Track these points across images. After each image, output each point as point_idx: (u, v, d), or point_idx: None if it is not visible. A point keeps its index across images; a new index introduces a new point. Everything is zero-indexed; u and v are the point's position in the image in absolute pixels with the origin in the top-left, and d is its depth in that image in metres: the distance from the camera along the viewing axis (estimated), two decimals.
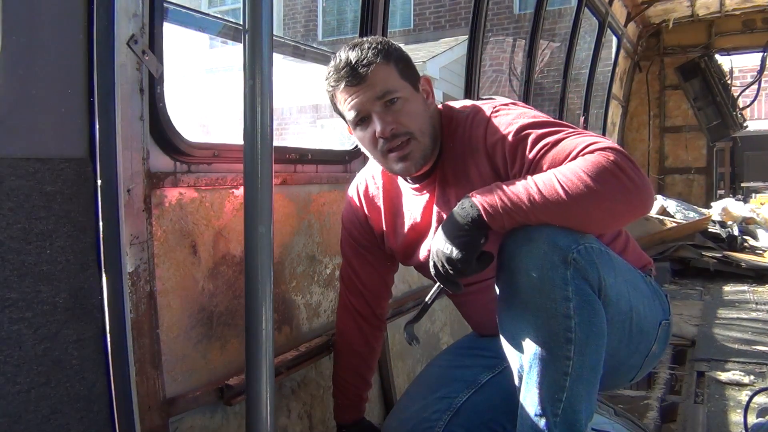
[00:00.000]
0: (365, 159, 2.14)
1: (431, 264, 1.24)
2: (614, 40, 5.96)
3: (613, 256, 1.29)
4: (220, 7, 11.44)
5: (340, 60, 1.34)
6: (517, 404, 1.21)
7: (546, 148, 1.24)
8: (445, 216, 1.34)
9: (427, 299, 1.35)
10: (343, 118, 1.42)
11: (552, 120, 1.32)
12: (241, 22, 1.18)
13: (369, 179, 1.61)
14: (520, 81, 4.30)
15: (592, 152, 1.17)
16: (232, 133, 1.50)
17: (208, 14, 1.79)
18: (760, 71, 6.28)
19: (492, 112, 1.35)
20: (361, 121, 1.37)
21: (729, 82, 6.48)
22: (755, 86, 6.45)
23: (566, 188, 1.14)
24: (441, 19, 10.18)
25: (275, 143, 1.25)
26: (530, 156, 1.25)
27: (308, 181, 1.86)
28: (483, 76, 4.60)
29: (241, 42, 1.18)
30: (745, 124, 6.74)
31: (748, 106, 6.80)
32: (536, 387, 1.16)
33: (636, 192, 1.16)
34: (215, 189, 1.49)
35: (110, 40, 1.15)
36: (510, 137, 1.29)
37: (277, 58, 1.35)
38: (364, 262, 1.63)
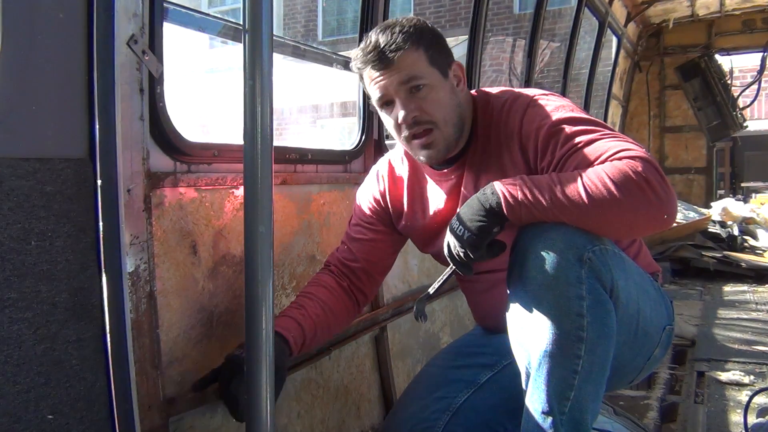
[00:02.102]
0: (365, 159, 2.14)
1: (445, 243, 1.25)
2: (614, 40, 5.95)
3: (625, 259, 1.29)
4: (220, 7, 11.44)
5: (370, 42, 1.34)
6: (522, 401, 1.21)
7: (578, 146, 1.23)
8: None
9: (439, 279, 1.35)
10: (370, 97, 1.42)
11: (589, 117, 1.30)
12: (241, 22, 1.18)
13: (397, 159, 1.60)
14: (520, 81, 4.30)
15: (620, 159, 1.16)
16: (233, 133, 1.50)
17: (208, 14, 1.78)
18: (760, 71, 6.27)
19: (531, 100, 1.34)
20: (386, 104, 1.37)
21: (729, 82, 6.47)
22: (755, 86, 6.43)
23: (589, 192, 1.13)
24: (441, 19, 10.17)
25: (275, 143, 1.25)
26: (561, 151, 1.25)
27: (308, 181, 1.86)
28: (483, 76, 4.59)
29: (241, 42, 1.18)
30: (745, 124, 6.73)
31: (748, 106, 6.79)
32: (544, 384, 1.16)
33: (658, 206, 1.14)
34: (215, 189, 1.49)
35: (110, 40, 1.15)
36: (545, 129, 1.28)
37: (277, 58, 1.35)
38: (363, 239, 1.59)
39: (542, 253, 1.15)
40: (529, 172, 1.30)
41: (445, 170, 1.47)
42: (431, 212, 1.52)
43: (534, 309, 1.17)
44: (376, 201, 1.61)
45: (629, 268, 1.29)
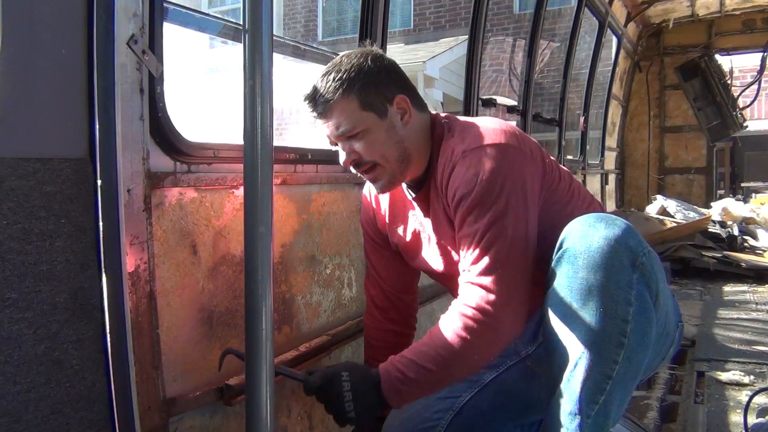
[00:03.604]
0: None
1: (325, 398, 1.36)
2: (614, 40, 5.95)
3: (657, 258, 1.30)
4: (220, 7, 11.43)
5: (309, 89, 1.38)
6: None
7: (467, 239, 1.30)
8: (431, 230, 1.45)
9: (294, 375, 1.44)
10: None
11: (499, 189, 1.27)
12: (241, 22, 1.18)
13: None
14: (520, 81, 4.30)
15: (466, 313, 1.26)
16: (232, 133, 1.50)
17: (208, 14, 1.78)
18: (760, 71, 6.27)
19: (460, 158, 1.33)
20: (335, 144, 1.42)
21: (729, 82, 6.47)
22: (755, 86, 6.44)
23: (439, 362, 1.28)
24: (441, 19, 10.17)
25: (275, 143, 1.25)
26: (458, 235, 1.33)
27: (308, 181, 1.86)
28: (483, 76, 4.59)
29: (241, 42, 1.18)
30: (745, 124, 6.74)
31: (748, 106, 6.80)
32: (579, 385, 1.16)
33: (496, 343, 1.28)
34: (215, 189, 1.49)
35: (110, 40, 1.15)
36: (454, 203, 1.33)
37: (277, 58, 1.35)
38: (383, 259, 1.66)
39: (597, 254, 1.15)
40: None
41: (415, 195, 1.49)
42: (410, 231, 1.55)
43: (579, 309, 1.16)
44: (373, 221, 1.65)
45: (661, 269, 1.29)
